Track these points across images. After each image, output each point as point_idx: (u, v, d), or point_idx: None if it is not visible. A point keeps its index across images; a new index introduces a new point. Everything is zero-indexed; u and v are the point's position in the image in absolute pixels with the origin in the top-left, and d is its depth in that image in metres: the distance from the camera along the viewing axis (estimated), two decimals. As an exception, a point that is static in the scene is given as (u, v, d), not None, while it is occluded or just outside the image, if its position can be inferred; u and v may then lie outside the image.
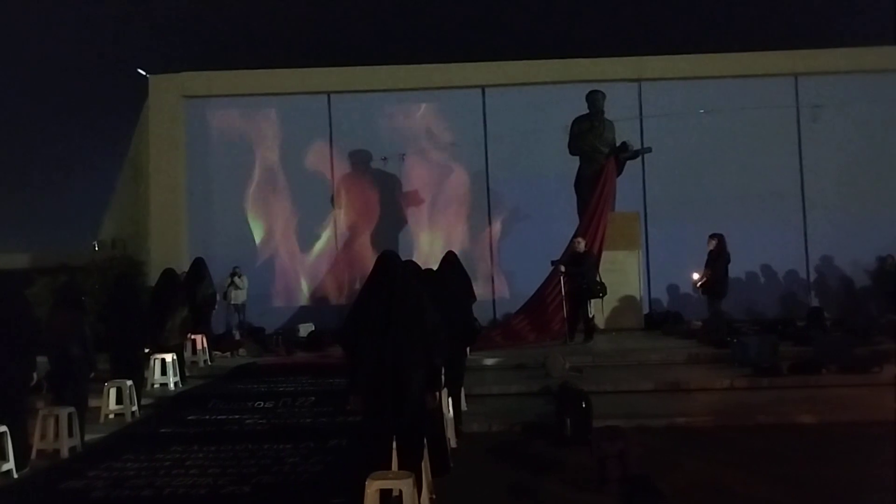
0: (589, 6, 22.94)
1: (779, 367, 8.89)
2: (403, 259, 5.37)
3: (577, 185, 13.47)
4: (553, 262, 11.60)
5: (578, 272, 11.22)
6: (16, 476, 6.16)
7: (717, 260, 11.13)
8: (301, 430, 7.31)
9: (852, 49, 15.73)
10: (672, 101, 15.41)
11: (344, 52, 19.01)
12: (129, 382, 8.18)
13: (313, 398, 8.50)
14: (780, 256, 15.37)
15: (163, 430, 7.51)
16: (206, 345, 11.13)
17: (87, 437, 7.15)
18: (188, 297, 10.32)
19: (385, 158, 15.91)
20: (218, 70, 16.32)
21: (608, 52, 15.99)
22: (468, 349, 8.06)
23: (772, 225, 15.14)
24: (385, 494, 4.31)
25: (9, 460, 6.14)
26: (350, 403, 4.78)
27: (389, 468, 4.56)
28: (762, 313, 14.57)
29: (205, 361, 11.02)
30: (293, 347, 12.38)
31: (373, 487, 4.23)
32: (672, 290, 15.27)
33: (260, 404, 8.38)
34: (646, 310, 13.96)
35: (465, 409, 7.49)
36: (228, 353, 12.02)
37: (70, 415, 6.87)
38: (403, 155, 15.95)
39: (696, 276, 11.84)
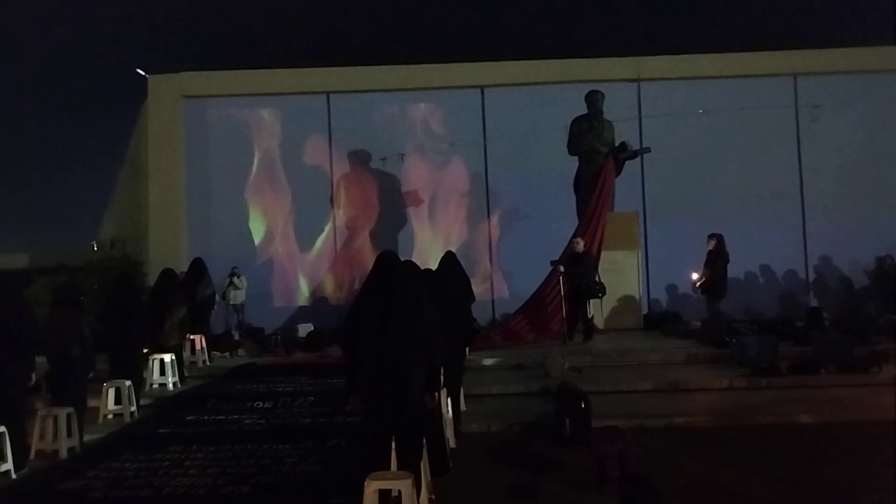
0: (589, 6, 22.95)
1: (778, 367, 8.89)
2: (402, 259, 5.37)
3: (577, 185, 13.47)
4: (552, 262, 11.60)
5: (577, 272, 11.22)
6: (14, 476, 6.15)
7: (717, 260, 11.15)
8: (300, 430, 7.30)
9: (852, 49, 15.75)
10: (671, 102, 15.41)
11: (343, 52, 19.03)
12: (128, 383, 8.17)
13: (312, 398, 8.49)
14: (779, 256, 15.38)
15: (162, 431, 7.50)
16: (204, 345, 11.13)
17: (86, 438, 7.14)
18: (187, 297, 10.31)
19: (384, 158, 15.92)
20: (217, 70, 16.33)
21: (607, 52, 16.01)
22: (467, 349, 8.07)
23: (771, 225, 15.15)
24: (384, 494, 4.31)
25: (7, 461, 6.13)
26: (349, 403, 4.78)
27: (388, 468, 4.55)
28: (761, 313, 14.57)
29: (204, 362, 11.02)
30: (292, 347, 12.37)
31: (372, 487, 4.22)
32: (671, 290, 15.28)
33: (259, 404, 8.38)
34: (645, 310, 13.97)
35: (465, 409, 7.48)
36: (227, 354, 12.01)
37: (69, 415, 6.86)
38: (402, 155, 15.96)
39: (695, 276, 11.85)
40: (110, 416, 8.09)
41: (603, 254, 12.38)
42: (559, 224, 13.41)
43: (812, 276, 15.58)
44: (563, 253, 11.84)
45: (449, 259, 7.91)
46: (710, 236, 11.37)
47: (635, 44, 17.80)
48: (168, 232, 15.48)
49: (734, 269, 12.10)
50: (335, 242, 16.09)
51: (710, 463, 6.02)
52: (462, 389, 7.40)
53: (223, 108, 16.27)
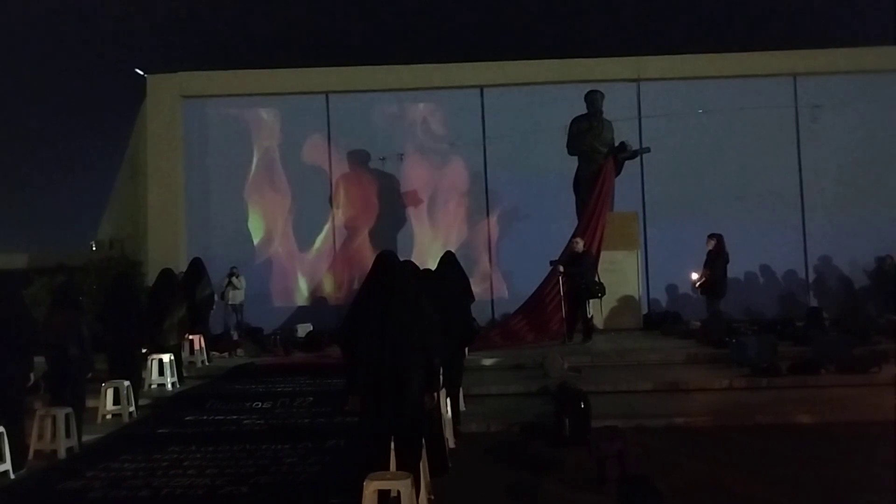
0: (589, 6, 22.96)
1: (777, 367, 8.89)
2: (402, 259, 5.36)
3: (576, 185, 13.46)
4: (552, 262, 11.59)
5: (577, 272, 11.21)
6: (13, 477, 6.14)
7: (716, 260, 11.14)
8: (299, 430, 7.29)
9: (851, 49, 15.75)
10: (671, 101, 15.41)
11: (343, 52, 19.04)
12: (127, 383, 8.16)
13: (311, 398, 8.48)
14: (778, 256, 15.38)
15: (160, 431, 7.49)
16: (203, 345, 11.13)
17: (85, 438, 7.13)
18: (186, 297, 10.29)
19: (384, 158, 15.91)
20: (216, 70, 16.32)
21: (607, 52, 16.03)
22: (467, 349, 8.06)
23: (771, 225, 15.15)
24: (383, 495, 4.30)
25: (6, 461, 6.12)
26: (348, 403, 4.77)
27: (388, 468, 4.55)
28: (761, 313, 14.57)
29: (202, 362, 11.01)
30: (291, 347, 12.36)
31: (371, 488, 4.21)
32: (671, 290, 15.28)
33: (258, 404, 8.37)
34: (644, 310, 13.96)
35: (464, 409, 7.47)
36: (226, 354, 12.01)
37: (67, 415, 6.85)
38: (402, 155, 15.95)
39: (694, 276, 11.84)
40: (109, 417, 8.08)
41: (602, 254, 12.37)
42: (559, 224, 13.40)
43: (812, 276, 15.58)
44: (563, 253, 11.83)
45: (448, 259, 7.90)
46: (710, 236, 11.37)
47: (635, 44, 17.85)
48: (167, 232, 15.46)
49: (734, 269, 12.09)
50: (334, 242, 16.07)
51: (710, 463, 6.01)
52: (461, 389, 7.39)
53: (222, 108, 16.25)
